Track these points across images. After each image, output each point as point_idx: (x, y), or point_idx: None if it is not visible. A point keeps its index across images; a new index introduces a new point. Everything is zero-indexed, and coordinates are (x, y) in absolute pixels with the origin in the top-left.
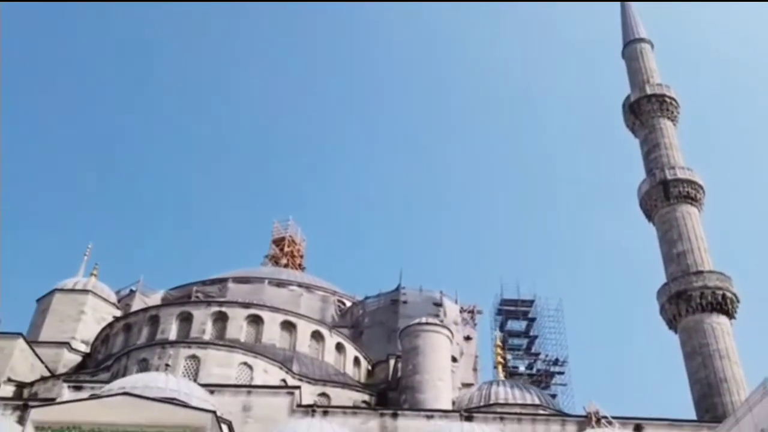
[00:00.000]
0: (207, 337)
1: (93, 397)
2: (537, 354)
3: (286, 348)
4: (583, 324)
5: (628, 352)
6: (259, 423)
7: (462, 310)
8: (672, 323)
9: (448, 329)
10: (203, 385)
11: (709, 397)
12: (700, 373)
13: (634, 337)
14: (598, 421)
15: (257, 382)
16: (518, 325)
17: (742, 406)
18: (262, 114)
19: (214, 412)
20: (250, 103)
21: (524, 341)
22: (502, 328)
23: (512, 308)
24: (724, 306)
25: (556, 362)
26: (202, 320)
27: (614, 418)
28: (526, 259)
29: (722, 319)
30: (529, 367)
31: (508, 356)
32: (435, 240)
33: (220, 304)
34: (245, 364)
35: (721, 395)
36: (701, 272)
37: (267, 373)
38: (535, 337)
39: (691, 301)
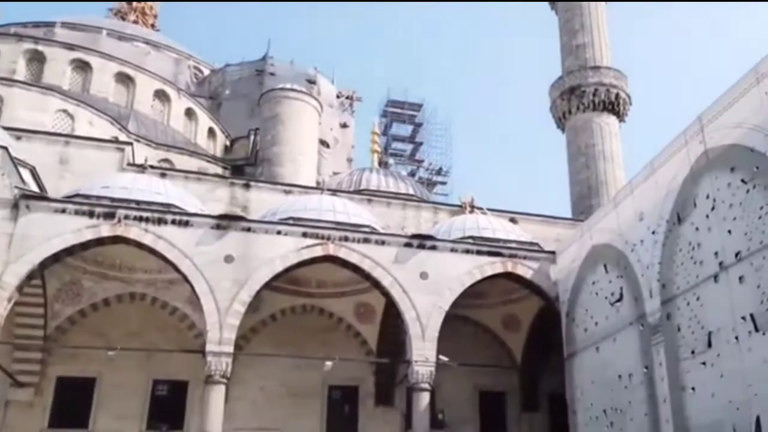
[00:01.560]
0: (19, 78)
1: None
2: (421, 161)
3: (122, 105)
4: (471, 133)
5: (514, 161)
6: (79, 178)
7: (339, 95)
8: (561, 121)
9: (317, 100)
10: (6, 129)
11: (587, 198)
12: (581, 173)
13: (521, 145)
14: (472, 210)
15: (80, 134)
16: (404, 130)
17: (623, 189)
18: None
19: (5, 148)
20: None
21: (408, 147)
22: (386, 131)
23: (398, 110)
24: (616, 106)
25: (439, 171)
26: (12, 58)
27: (489, 210)
28: (416, 59)
29: (612, 119)
30: (412, 174)
31: (390, 161)
32: (314, 14)
33: (36, 41)
34: (65, 112)
35: (599, 197)
36: (598, 68)
37: (93, 126)
38: (420, 143)
39: (583, 98)
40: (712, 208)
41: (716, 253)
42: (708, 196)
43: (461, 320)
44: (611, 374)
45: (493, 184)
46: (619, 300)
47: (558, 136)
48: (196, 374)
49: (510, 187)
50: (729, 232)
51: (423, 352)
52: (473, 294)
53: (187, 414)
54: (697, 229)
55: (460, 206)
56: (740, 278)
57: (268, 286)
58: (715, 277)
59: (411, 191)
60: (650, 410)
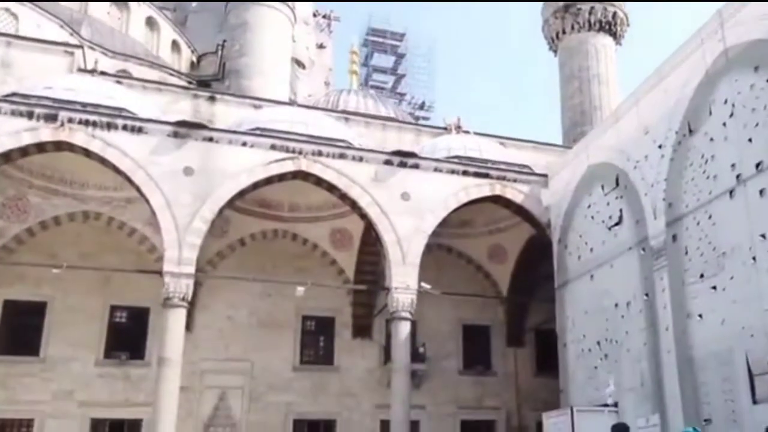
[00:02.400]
0: None
1: None
2: (403, 95)
3: (75, 9)
4: (457, 62)
5: (502, 90)
6: (23, 84)
7: (316, 14)
8: (553, 42)
9: (289, 8)
10: None
11: (579, 125)
12: (575, 98)
13: (510, 73)
14: (458, 132)
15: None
16: (385, 61)
17: (624, 102)
18: None
19: None
20: None
21: (390, 79)
22: (366, 61)
23: (380, 40)
24: (612, 26)
25: (422, 106)
26: None
27: (477, 134)
28: None
29: (608, 41)
30: None
31: (371, 92)
32: None
33: None
34: (7, 11)
35: (593, 124)
36: None
37: (40, 28)
38: (403, 75)
39: (578, 16)
40: (731, 115)
41: (733, 165)
42: (726, 101)
43: (444, 250)
44: (607, 303)
45: (480, 118)
46: (618, 223)
47: (550, 62)
48: (158, 300)
49: (498, 120)
50: (749, 140)
51: (403, 278)
52: (458, 222)
53: (149, 343)
54: (711, 139)
55: (445, 128)
56: (761, 192)
57: (233, 205)
58: (731, 192)
59: (392, 114)
60: (650, 340)
